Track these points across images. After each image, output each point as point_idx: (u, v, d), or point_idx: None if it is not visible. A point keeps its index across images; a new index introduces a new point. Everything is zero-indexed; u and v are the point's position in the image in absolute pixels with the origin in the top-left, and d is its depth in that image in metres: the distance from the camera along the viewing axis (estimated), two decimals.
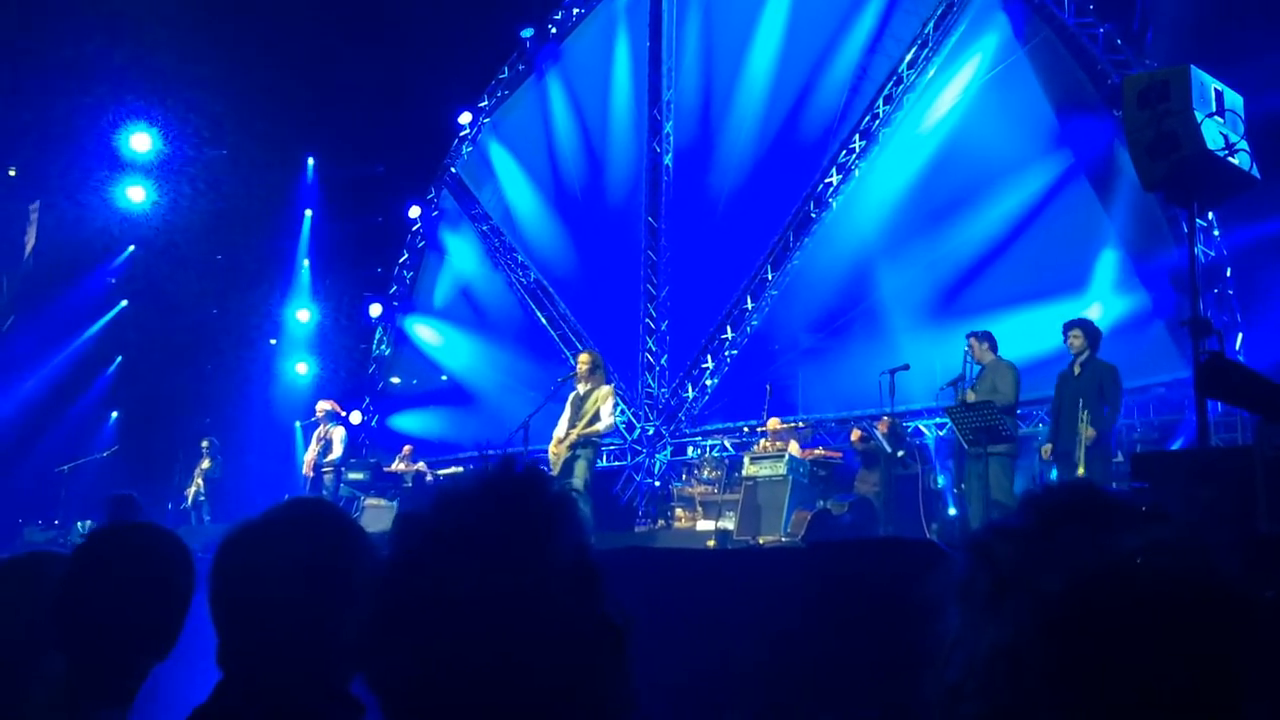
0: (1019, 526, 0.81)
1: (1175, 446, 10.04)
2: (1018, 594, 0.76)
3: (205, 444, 14.03)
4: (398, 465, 13.87)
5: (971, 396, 8.53)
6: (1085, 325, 8.30)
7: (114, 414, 17.00)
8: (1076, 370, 8.19)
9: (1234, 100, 6.14)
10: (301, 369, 17.83)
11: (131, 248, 16.84)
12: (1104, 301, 10.57)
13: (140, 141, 15.32)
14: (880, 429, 10.02)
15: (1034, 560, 0.77)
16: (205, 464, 13.88)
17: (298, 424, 15.38)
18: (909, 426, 11.53)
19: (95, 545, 2.05)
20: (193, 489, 13.73)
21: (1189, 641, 0.72)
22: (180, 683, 1.95)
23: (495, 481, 1.11)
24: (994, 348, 8.75)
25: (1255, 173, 6.18)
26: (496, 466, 1.14)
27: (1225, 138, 5.92)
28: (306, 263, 17.75)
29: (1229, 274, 10.40)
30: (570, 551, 1.06)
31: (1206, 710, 0.72)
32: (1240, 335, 10.14)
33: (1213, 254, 10.44)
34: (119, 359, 17.26)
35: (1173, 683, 0.71)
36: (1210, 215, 10.10)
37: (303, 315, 17.88)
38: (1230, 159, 5.91)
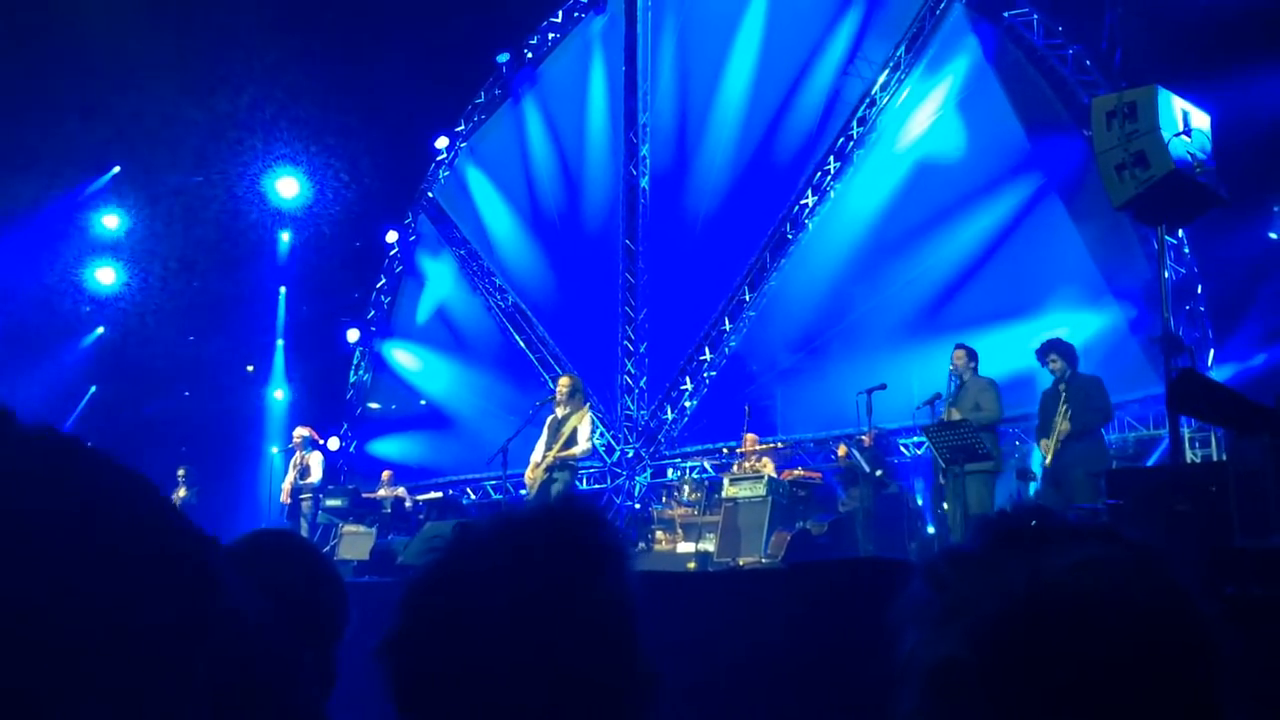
0: (968, 550, 0.82)
1: (1150, 462, 10.12)
2: (961, 617, 0.77)
3: (181, 472, 13.88)
4: (378, 491, 13.76)
5: (953, 414, 8.53)
6: (1059, 346, 8.34)
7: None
8: (1061, 389, 8.22)
9: (1201, 120, 6.23)
10: (279, 395, 17.73)
11: (112, 274, 16.75)
12: (1077, 319, 10.64)
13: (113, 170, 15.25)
14: (865, 442, 10.04)
15: (976, 583, 0.78)
16: (181, 492, 13.71)
17: (275, 450, 15.25)
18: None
19: None
20: None
21: (1108, 658, 0.73)
22: None
23: (554, 514, 1.14)
24: (976, 367, 8.78)
25: (1223, 191, 6.27)
26: (560, 501, 1.19)
27: (1193, 157, 6.00)
28: (283, 290, 17.67)
29: (1200, 291, 10.51)
30: (608, 602, 1.10)
31: None
32: (1212, 351, 10.24)
33: (1184, 271, 10.55)
34: (92, 389, 17.09)
35: (1097, 703, 0.72)
36: (1180, 233, 10.22)
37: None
38: (1198, 178, 6.00)
